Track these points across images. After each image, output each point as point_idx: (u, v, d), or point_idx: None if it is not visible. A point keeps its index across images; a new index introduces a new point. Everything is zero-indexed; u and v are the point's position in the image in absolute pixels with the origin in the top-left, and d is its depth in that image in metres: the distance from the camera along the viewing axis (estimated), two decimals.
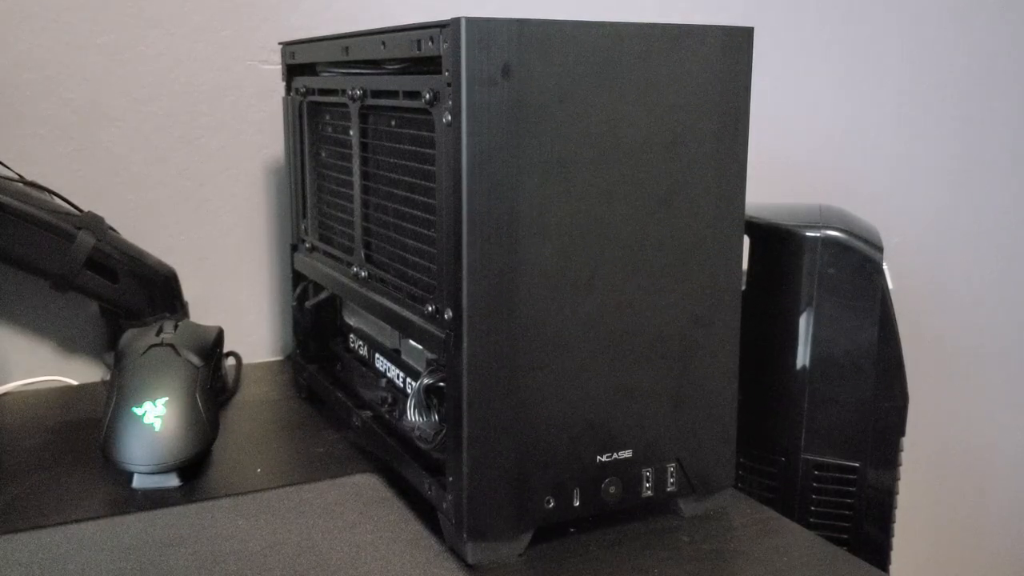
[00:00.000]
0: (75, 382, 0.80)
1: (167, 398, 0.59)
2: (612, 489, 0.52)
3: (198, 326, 0.69)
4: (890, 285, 0.74)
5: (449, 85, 0.46)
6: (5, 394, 0.77)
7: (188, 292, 0.82)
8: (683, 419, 0.54)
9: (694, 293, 0.53)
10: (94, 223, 0.74)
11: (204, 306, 0.84)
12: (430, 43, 0.48)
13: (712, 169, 0.52)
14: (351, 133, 0.61)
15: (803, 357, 0.74)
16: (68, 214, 0.73)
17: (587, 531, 0.54)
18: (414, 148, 0.54)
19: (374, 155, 0.60)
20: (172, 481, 0.59)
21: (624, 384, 0.52)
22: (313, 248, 0.72)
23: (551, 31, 0.47)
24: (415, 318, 0.53)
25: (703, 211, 0.52)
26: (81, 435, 0.67)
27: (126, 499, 0.58)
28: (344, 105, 0.63)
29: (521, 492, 0.50)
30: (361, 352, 0.70)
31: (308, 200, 0.72)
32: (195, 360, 0.63)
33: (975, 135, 1.24)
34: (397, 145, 0.56)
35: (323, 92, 0.66)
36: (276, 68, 0.84)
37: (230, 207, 0.85)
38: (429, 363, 0.57)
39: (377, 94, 0.57)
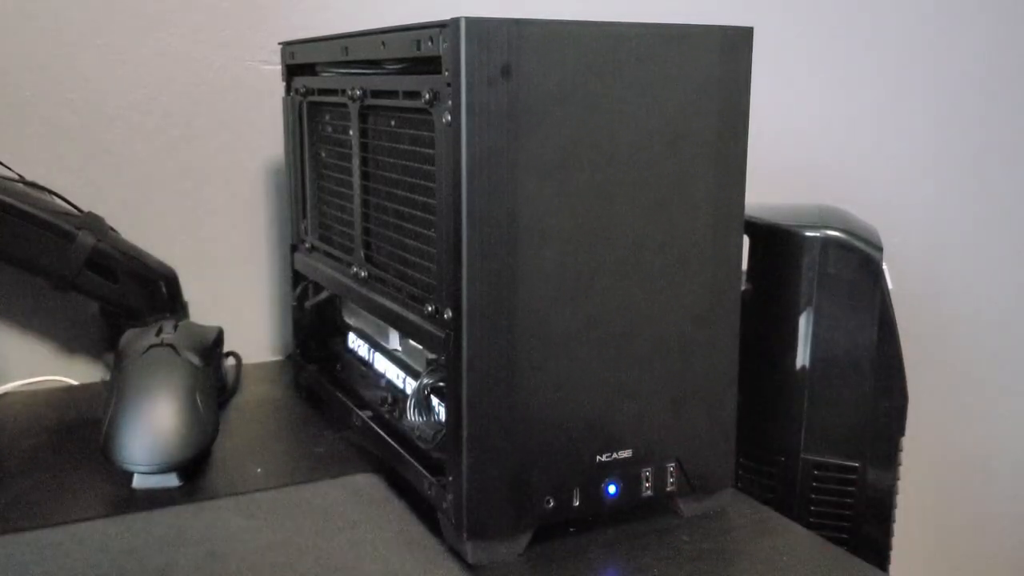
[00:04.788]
0: (75, 382, 0.80)
1: (167, 398, 0.59)
2: (612, 489, 0.52)
3: (198, 326, 0.69)
4: (890, 285, 0.74)
5: (449, 85, 0.46)
6: (5, 394, 0.77)
7: (188, 292, 0.82)
8: (683, 419, 0.54)
9: (694, 293, 0.53)
10: (94, 223, 0.74)
11: (204, 306, 0.84)
12: (430, 43, 0.48)
13: (712, 169, 0.52)
14: (351, 133, 0.61)
15: (803, 357, 0.74)
16: (68, 214, 0.73)
17: (587, 531, 0.54)
18: (414, 148, 0.54)
19: (374, 155, 0.60)
20: (172, 481, 0.59)
21: (624, 384, 0.52)
22: (313, 248, 0.72)
23: (551, 31, 0.47)
24: (415, 318, 0.53)
25: (703, 211, 0.52)
26: (81, 435, 0.67)
27: (126, 499, 0.58)
28: (344, 105, 0.63)
29: (521, 492, 0.50)
30: (361, 352, 0.70)
31: (308, 200, 0.72)
32: (195, 360, 0.63)
33: (975, 134, 1.24)
34: (397, 145, 0.56)
35: (323, 92, 0.66)
36: (276, 68, 0.84)
37: (230, 207, 0.85)
38: (429, 363, 0.57)
39: (377, 94, 0.57)
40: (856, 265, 0.73)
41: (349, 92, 0.60)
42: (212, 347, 0.67)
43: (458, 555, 0.51)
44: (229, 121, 0.84)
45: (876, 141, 1.17)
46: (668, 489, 0.54)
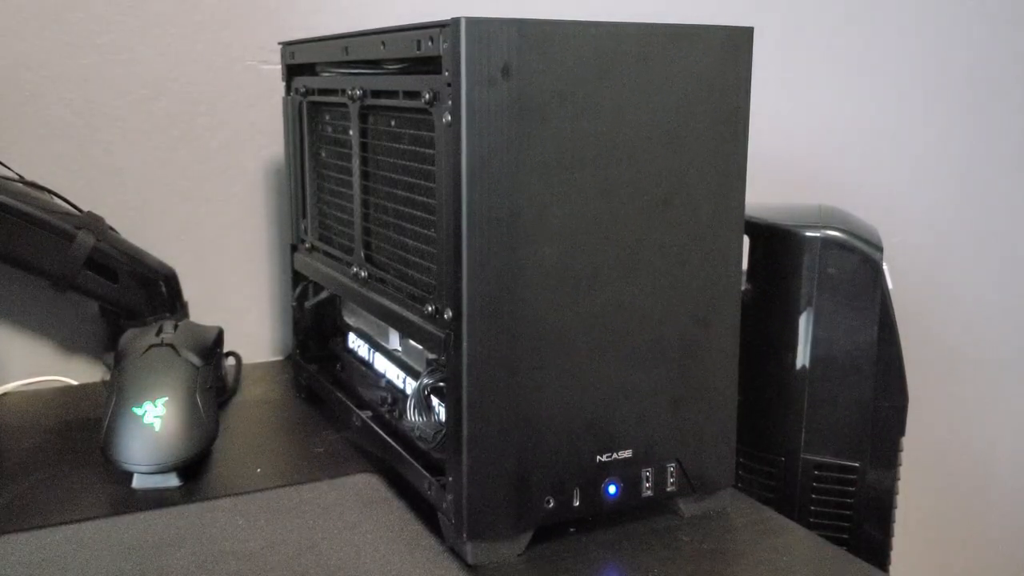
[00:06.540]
0: (75, 382, 0.80)
1: (167, 398, 0.59)
2: (612, 489, 0.52)
3: (198, 326, 0.69)
4: (890, 285, 0.74)
5: (449, 85, 0.46)
6: (5, 394, 0.77)
7: (188, 292, 0.82)
8: (683, 419, 0.54)
9: (694, 293, 0.53)
10: (94, 223, 0.74)
11: (204, 306, 0.84)
12: (430, 43, 0.48)
13: (712, 169, 0.52)
14: (351, 133, 0.61)
15: (803, 357, 0.74)
16: (68, 214, 0.73)
17: (587, 531, 0.54)
18: (414, 148, 0.54)
19: (374, 155, 0.60)
20: (172, 481, 0.59)
21: (624, 384, 0.52)
22: (313, 248, 0.72)
23: (551, 31, 0.47)
24: (415, 318, 0.53)
25: (703, 211, 0.52)
26: (81, 435, 0.67)
27: (126, 499, 0.58)
28: (344, 105, 0.63)
29: (521, 492, 0.50)
30: (361, 352, 0.70)
31: (308, 200, 0.72)
32: (195, 360, 0.63)
33: (975, 134, 1.24)
34: (397, 145, 0.56)
35: (323, 92, 0.66)
36: (276, 68, 0.84)
37: (230, 207, 0.85)
38: (429, 363, 0.57)
39: (377, 94, 0.57)
40: (856, 265, 0.73)
41: (349, 92, 0.60)
42: (212, 347, 0.67)
43: (458, 555, 0.51)
44: (229, 121, 0.84)
45: (876, 141, 1.17)
46: (668, 489, 0.54)
